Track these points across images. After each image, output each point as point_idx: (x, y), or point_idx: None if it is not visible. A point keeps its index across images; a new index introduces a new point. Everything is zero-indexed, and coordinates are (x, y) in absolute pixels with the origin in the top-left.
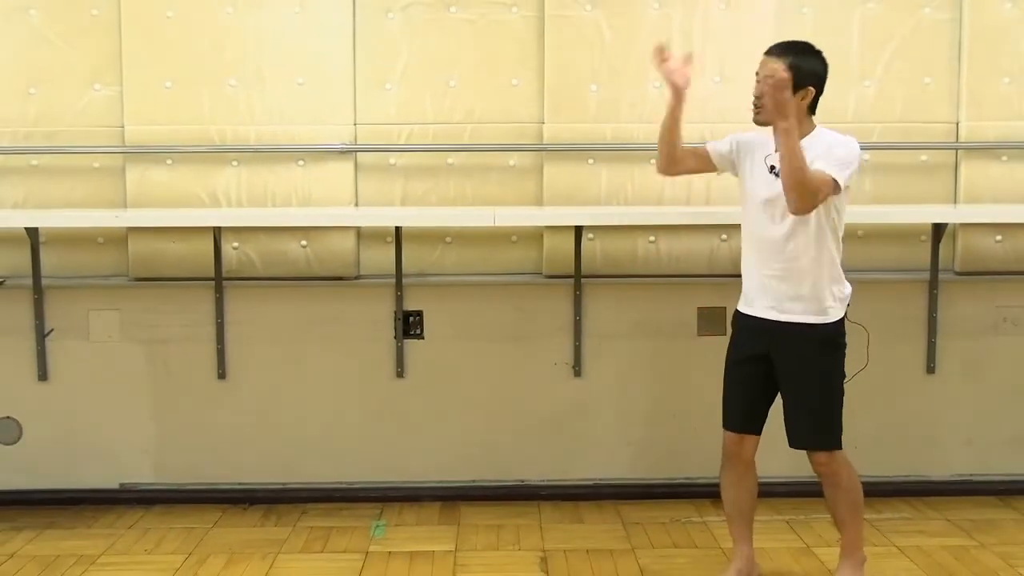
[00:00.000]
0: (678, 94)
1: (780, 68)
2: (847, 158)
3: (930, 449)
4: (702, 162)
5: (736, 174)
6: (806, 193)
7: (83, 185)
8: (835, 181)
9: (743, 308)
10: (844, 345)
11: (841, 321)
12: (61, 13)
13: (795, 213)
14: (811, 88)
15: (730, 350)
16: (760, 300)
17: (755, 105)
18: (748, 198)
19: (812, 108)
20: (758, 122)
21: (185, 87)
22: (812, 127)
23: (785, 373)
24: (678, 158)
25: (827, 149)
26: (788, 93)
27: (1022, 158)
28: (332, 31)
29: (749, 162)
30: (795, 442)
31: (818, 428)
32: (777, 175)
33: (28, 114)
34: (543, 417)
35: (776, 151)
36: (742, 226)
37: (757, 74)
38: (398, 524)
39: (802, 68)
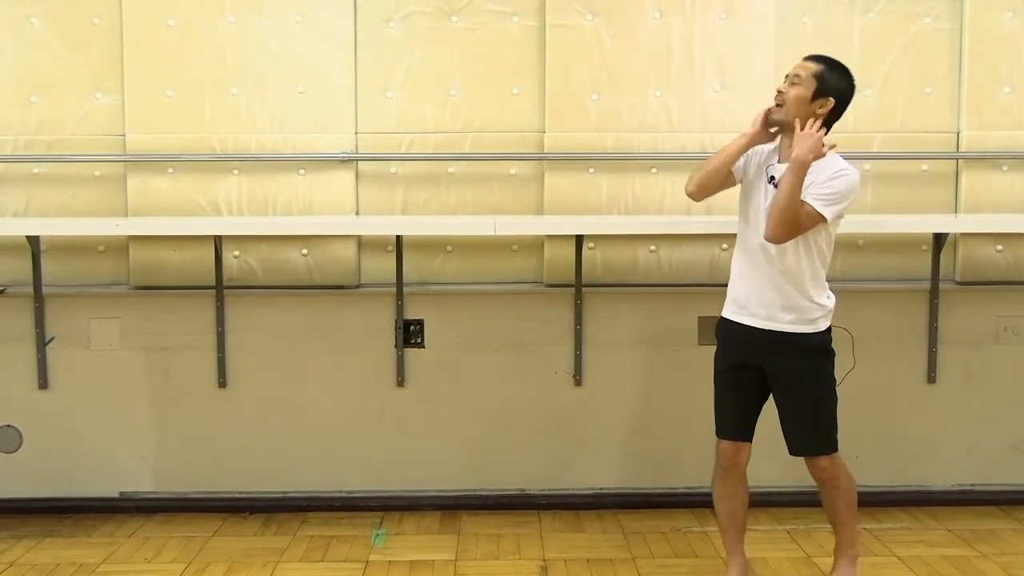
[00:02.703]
0: (760, 137)
1: (809, 70)
2: (842, 193)
3: (930, 459)
4: (728, 179)
5: (739, 181)
6: (788, 226)
7: (84, 193)
8: (822, 217)
9: (731, 316)
10: (834, 352)
11: (829, 330)
12: (63, 21)
13: (769, 240)
14: (831, 99)
15: (719, 359)
16: (749, 308)
17: (776, 101)
18: (743, 202)
19: (828, 123)
20: (772, 121)
21: (186, 95)
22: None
23: (780, 383)
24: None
25: (827, 179)
26: (821, 133)
27: (1023, 168)
28: (333, 40)
29: (752, 170)
30: (796, 450)
31: (818, 434)
32: (775, 186)
33: (29, 122)
34: (544, 426)
35: (779, 162)
36: (737, 233)
37: (787, 76)
38: (398, 533)
39: (827, 79)
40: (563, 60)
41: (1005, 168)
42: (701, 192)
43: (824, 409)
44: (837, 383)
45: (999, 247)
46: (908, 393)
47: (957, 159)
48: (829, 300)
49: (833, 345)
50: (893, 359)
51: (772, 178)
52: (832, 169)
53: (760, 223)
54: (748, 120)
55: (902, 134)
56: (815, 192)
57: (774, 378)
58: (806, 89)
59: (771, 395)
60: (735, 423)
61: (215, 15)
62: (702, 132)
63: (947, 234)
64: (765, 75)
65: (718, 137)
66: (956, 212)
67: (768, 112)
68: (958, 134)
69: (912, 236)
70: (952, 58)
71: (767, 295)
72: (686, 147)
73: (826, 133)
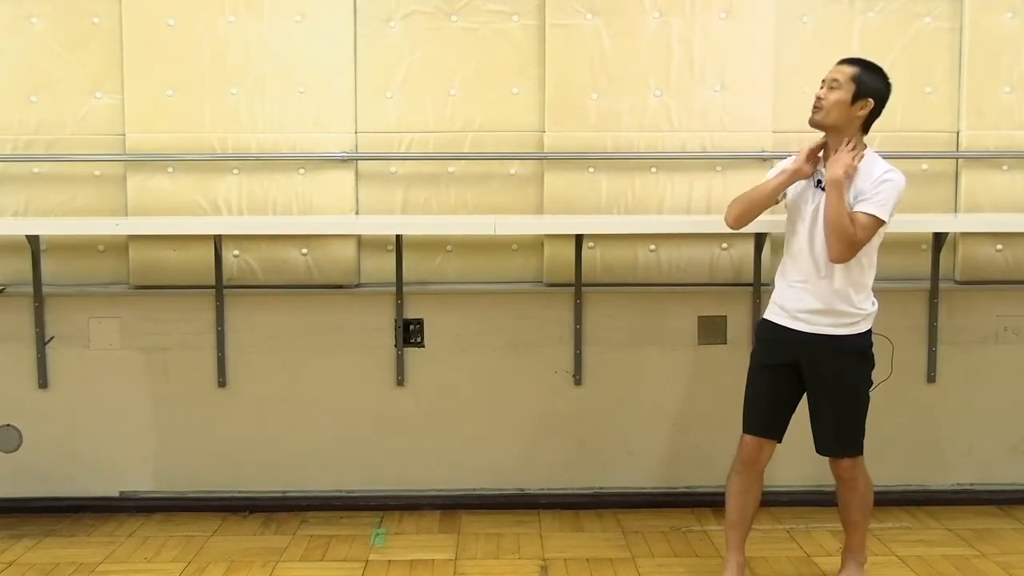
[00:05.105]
0: (801, 173)
1: (847, 74)
2: (892, 195)
3: (930, 458)
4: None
5: (781, 199)
6: (845, 242)
7: (84, 193)
8: (880, 220)
9: (774, 318)
10: (873, 356)
11: (869, 333)
12: (63, 21)
13: (835, 261)
14: (870, 100)
15: (756, 356)
16: (793, 314)
17: (815, 106)
18: (791, 210)
19: (867, 124)
20: (813, 122)
21: (186, 95)
22: (863, 146)
23: (816, 383)
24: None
25: (874, 186)
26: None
27: (1022, 167)
28: (333, 40)
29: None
30: (823, 449)
31: (847, 436)
32: (824, 189)
33: (29, 122)
34: (543, 426)
35: (824, 167)
36: (785, 240)
37: (823, 81)
38: (398, 532)
39: (865, 81)
40: (563, 60)
41: (1005, 168)
42: (740, 225)
43: (855, 412)
44: (872, 388)
45: (999, 247)
46: (908, 392)
47: (957, 159)
48: (873, 306)
49: (873, 350)
50: (893, 358)
51: (819, 181)
52: (876, 174)
53: (806, 231)
54: (748, 120)
55: (902, 133)
56: (865, 199)
57: (811, 376)
58: (846, 93)
59: (805, 393)
60: (763, 419)
61: (215, 15)
62: (702, 132)
63: (947, 234)
64: (765, 75)
65: (718, 136)
66: (956, 212)
67: (812, 119)
68: (958, 134)
69: (912, 235)
70: (952, 58)
71: (812, 302)
72: (686, 147)
73: (865, 133)
